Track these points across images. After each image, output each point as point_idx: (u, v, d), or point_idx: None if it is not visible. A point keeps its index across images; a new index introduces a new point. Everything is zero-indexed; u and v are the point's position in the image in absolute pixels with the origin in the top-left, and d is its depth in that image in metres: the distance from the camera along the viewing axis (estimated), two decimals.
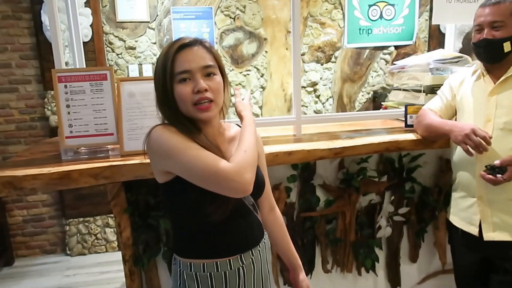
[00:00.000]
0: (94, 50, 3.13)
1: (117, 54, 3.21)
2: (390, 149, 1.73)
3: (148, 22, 3.22)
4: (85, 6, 3.03)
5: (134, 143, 1.62)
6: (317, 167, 1.90)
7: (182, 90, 1.02)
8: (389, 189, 2.00)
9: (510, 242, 1.48)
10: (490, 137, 1.43)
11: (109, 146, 1.71)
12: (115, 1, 3.13)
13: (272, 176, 1.81)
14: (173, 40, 1.07)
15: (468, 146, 1.46)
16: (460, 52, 3.15)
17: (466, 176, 1.58)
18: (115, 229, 3.43)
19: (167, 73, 1.02)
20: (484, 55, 1.52)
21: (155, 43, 3.25)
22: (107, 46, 3.20)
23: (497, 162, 1.42)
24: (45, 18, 2.99)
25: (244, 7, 3.34)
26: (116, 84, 1.62)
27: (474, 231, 1.55)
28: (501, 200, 1.49)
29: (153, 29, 3.24)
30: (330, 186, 1.92)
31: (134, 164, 1.48)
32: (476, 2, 1.92)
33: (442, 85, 1.95)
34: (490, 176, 1.43)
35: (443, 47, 2.45)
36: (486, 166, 1.45)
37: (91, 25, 3.08)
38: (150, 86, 1.75)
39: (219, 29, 3.33)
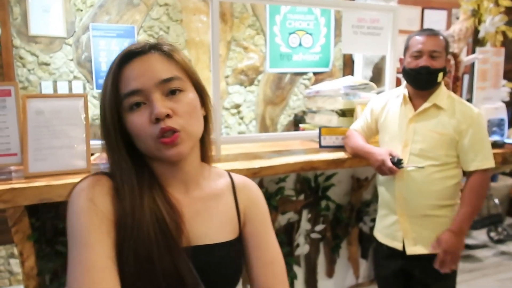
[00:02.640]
0: (1, 65, 2.90)
1: (29, 70, 3.00)
2: (305, 168, 1.82)
3: (65, 38, 3.07)
4: None
5: (42, 164, 1.52)
6: None
7: (135, 121, 0.70)
8: (306, 207, 2.09)
9: (428, 255, 1.62)
10: (401, 162, 1.58)
11: (12, 167, 1.58)
12: (28, 14, 2.95)
13: None
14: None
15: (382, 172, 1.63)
16: (370, 80, 3.44)
17: (387, 195, 1.72)
18: None
19: (111, 98, 0.71)
20: (421, 82, 1.60)
21: (72, 60, 3.10)
22: (17, 61, 2.98)
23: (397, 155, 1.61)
24: None
25: (168, 28, 3.34)
26: (22, 101, 1.51)
27: (398, 246, 1.68)
28: (418, 216, 1.63)
29: (70, 45, 3.09)
30: None
31: (40, 186, 1.38)
32: (379, 35, 2.13)
33: (353, 108, 2.11)
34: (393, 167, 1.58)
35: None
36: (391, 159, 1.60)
37: None
38: (61, 103, 1.67)
39: None
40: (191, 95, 0.74)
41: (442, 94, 1.63)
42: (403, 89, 1.71)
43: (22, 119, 1.51)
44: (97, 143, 1.98)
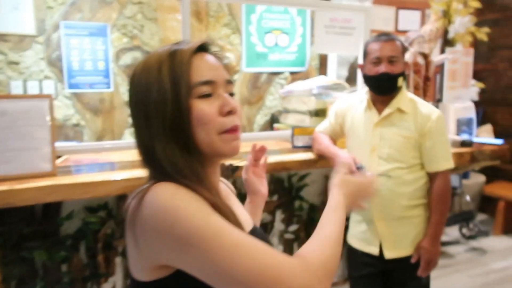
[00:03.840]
0: None
1: None
2: (277, 169, 1.82)
3: (35, 36, 2.98)
4: None
5: (5, 167, 1.47)
6: None
7: (206, 109, 0.68)
8: (279, 208, 2.09)
9: (407, 257, 1.65)
10: (362, 168, 1.60)
11: None
12: None
13: None
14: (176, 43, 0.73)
15: None
16: (345, 79, 3.47)
17: None
18: None
19: (181, 84, 0.67)
20: (382, 88, 1.63)
21: (43, 59, 3.02)
22: None
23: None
24: None
25: (142, 26, 3.29)
26: None
27: (375, 251, 1.68)
28: (394, 219, 1.65)
29: (41, 43, 3.01)
30: None
31: (2, 191, 1.34)
32: (351, 35, 2.14)
33: (325, 108, 2.12)
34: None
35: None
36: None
37: None
38: (26, 104, 1.62)
39: (115, 47, 3.21)
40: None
41: (404, 98, 1.65)
42: (366, 94, 1.73)
43: None
44: (65, 145, 1.94)
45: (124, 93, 3.28)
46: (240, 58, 3.59)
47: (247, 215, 0.88)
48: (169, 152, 0.67)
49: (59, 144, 1.57)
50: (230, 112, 0.69)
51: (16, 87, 2.97)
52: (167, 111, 0.66)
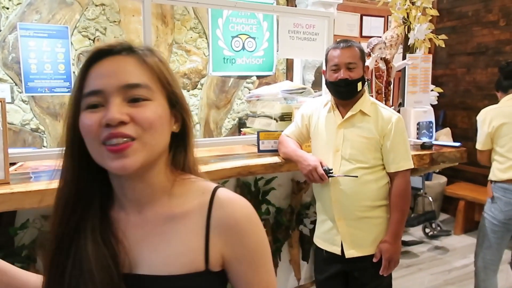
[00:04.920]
0: None
1: None
2: (243, 173, 1.81)
3: None
4: None
5: None
6: None
7: (85, 121, 0.64)
8: None
9: (366, 257, 1.68)
10: (331, 171, 1.63)
11: None
12: None
13: None
14: None
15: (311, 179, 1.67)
16: (312, 83, 3.51)
17: (324, 201, 1.75)
18: None
19: (73, 97, 0.67)
20: (342, 93, 1.67)
21: None
22: None
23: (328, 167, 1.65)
24: None
25: (105, 29, 3.20)
26: None
27: (337, 250, 1.71)
28: (354, 219, 1.68)
29: None
30: None
31: None
32: (315, 41, 2.17)
33: (290, 113, 2.13)
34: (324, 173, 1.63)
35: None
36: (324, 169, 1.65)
37: None
38: None
39: (76, 50, 3.11)
40: (157, 106, 0.66)
41: (366, 101, 1.70)
42: (329, 98, 1.77)
43: None
44: (19, 151, 1.85)
45: None
46: (207, 62, 3.57)
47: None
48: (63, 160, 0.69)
49: (12, 151, 1.49)
50: (108, 125, 0.62)
51: None
52: (67, 123, 0.68)
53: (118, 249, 0.67)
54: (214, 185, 0.73)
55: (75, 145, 0.67)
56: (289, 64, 3.88)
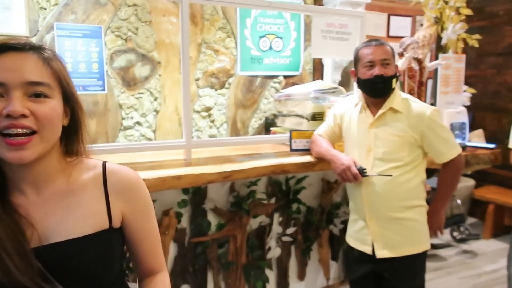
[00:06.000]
0: None
1: None
2: (276, 171, 1.83)
3: (28, 37, 2.95)
4: None
5: None
6: (208, 191, 1.91)
7: None
8: (277, 211, 2.09)
9: (397, 258, 1.67)
10: (364, 170, 1.63)
11: None
12: None
13: (161, 202, 1.76)
14: None
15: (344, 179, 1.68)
16: (339, 83, 3.50)
17: (356, 201, 1.76)
18: None
19: None
20: (378, 90, 1.65)
21: None
22: None
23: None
24: None
25: (137, 29, 3.27)
26: None
27: (368, 250, 1.71)
28: (386, 219, 1.67)
29: None
30: (221, 210, 1.93)
31: None
32: (348, 40, 2.17)
33: (322, 112, 2.14)
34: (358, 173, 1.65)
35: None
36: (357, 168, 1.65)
37: None
38: None
39: (109, 49, 3.19)
40: (56, 104, 0.75)
41: (397, 98, 1.68)
42: (359, 98, 1.76)
43: None
44: None
45: (118, 96, 3.26)
46: (235, 61, 3.60)
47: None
48: None
49: None
50: (9, 116, 0.68)
51: None
52: None
53: (23, 225, 0.73)
54: (100, 160, 0.87)
55: None
56: (316, 64, 3.88)
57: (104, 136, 3.17)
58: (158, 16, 3.35)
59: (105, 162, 0.87)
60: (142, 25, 3.28)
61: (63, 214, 0.78)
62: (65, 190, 0.80)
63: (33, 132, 0.70)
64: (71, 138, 0.83)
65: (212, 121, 3.57)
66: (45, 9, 2.99)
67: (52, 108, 0.74)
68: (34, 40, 2.96)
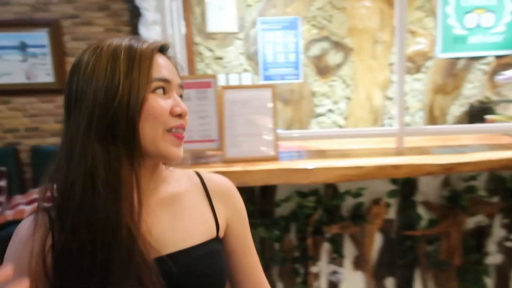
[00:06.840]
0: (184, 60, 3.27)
1: (206, 64, 3.32)
2: (499, 167, 1.58)
3: (237, 33, 3.30)
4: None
5: (234, 150, 1.64)
6: (419, 183, 1.78)
7: (160, 102, 0.67)
8: (501, 212, 1.82)
9: None
10: None
11: (209, 152, 1.75)
12: (206, 13, 3.25)
13: (371, 190, 1.73)
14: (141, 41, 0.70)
15: None
16: None
17: None
18: None
19: (140, 75, 0.65)
20: None
21: (242, 54, 3.32)
22: (196, 56, 3.33)
23: None
24: (142, 31, 3.18)
25: (331, 16, 3.30)
26: (219, 92, 1.66)
27: None
28: None
29: (241, 39, 3.31)
30: (433, 204, 1.78)
31: (238, 171, 1.49)
32: None
33: None
34: None
35: None
36: None
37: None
38: (249, 94, 1.78)
39: (305, 39, 3.31)
40: None
41: None
42: None
43: (220, 109, 1.65)
44: (284, 132, 2.07)
45: (311, 84, 3.37)
46: (434, 43, 3.29)
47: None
48: (89, 147, 0.64)
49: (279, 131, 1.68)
50: (180, 116, 0.69)
51: (220, 80, 3.34)
52: (113, 99, 0.63)
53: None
54: (190, 170, 0.84)
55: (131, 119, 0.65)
56: None
57: (298, 122, 3.34)
58: (352, 2, 3.31)
59: (195, 170, 0.84)
60: (336, 13, 3.29)
61: (171, 222, 0.73)
62: (169, 196, 0.76)
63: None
64: None
65: (406, 109, 3.36)
66: (250, 6, 3.29)
67: None
68: (241, 35, 3.29)
